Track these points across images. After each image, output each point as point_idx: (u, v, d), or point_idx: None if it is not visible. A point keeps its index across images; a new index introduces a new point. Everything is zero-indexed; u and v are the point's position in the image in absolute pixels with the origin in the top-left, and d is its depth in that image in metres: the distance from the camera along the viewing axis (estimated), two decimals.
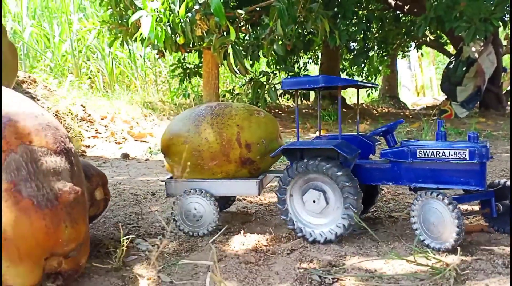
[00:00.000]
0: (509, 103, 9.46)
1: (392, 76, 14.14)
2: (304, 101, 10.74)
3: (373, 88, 8.50)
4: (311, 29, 6.81)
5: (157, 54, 7.80)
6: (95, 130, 5.88)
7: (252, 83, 7.85)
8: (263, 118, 2.15)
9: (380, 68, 11.62)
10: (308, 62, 12.07)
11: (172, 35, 6.13)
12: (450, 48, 11.54)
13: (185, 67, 9.08)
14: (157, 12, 5.81)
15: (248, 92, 8.44)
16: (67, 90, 6.99)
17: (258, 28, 7.62)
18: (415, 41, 11.50)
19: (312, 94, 10.13)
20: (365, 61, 10.31)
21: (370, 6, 9.60)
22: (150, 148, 5.31)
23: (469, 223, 2.08)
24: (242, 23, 6.78)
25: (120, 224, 2.26)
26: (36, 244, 1.27)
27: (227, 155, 2.04)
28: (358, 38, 8.60)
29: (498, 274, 1.49)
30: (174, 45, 6.33)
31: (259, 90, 7.61)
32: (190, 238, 2.03)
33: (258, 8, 6.88)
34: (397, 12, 9.81)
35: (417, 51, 13.69)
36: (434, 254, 1.64)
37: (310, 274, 1.56)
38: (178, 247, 1.92)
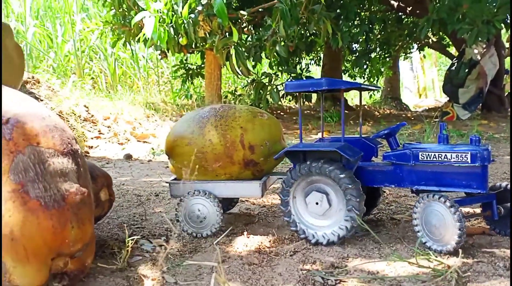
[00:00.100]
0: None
1: (394, 78, 14.14)
2: (306, 103, 10.76)
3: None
4: (313, 31, 6.81)
5: (159, 55, 7.82)
6: (98, 131, 5.90)
7: (254, 84, 7.88)
8: (266, 120, 2.17)
9: (382, 69, 11.63)
10: (310, 63, 12.08)
11: (175, 36, 6.16)
12: (453, 50, 11.54)
13: (187, 68, 9.10)
14: (160, 13, 5.83)
15: (250, 93, 8.47)
16: (70, 91, 7.01)
17: (260, 29, 7.65)
18: (417, 42, 11.51)
19: (314, 95, 10.14)
20: (367, 62, 10.31)
21: (372, 7, 9.61)
22: (153, 149, 5.33)
23: (471, 225, 2.09)
24: (244, 24, 6.80)
25: (124, 225, 2.28)
26: (43, 244, 1.29)
27: (230, 157, 2.06)
28: (360, 40, 8.61)
29: (499, 276, 1.50)
30: (177, 46, 6.35)
31: (261, 91, 7.65)
32: (193, 239, 2.05)
33: (260, 9, 6.90)
34: (400, 13, 9.82)
35: (419, 53, 13.71)
36: (436, 256, 1.66)
37: (313, 276, 1.58)
38: (182, 248, 1.93)
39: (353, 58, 10.53)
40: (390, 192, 2.90)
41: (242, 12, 6.39)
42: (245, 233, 2.07)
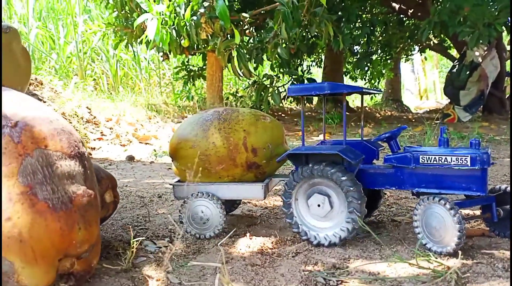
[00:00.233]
0: None
1: (395, 80, 14.16)
2: (307, 104, 10.78)
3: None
4: (315, 33, 6.84)
5: (161, 56, 7.85)
6: (101, 132, 5.93)
7: (255, 86, 7.91)
8: (269, 123, 2.20)
9: (384, 71, 11.65)
10: (311, 65, 12.10)
11: (177, 38, 6.19)
12: (454, 52, 11.55)
13: (189, 69, 9.12)
14: (163, 15, 5.86)
15: (251, 95, 8.50)
16: (72, 92, 7.05)
17: (262, 31, 7.67)
18: (419, 44, 11.53)
19: (315, 97, 10.16)
20: (369, 64, 10.34)
21: (374, 9, 9.64)
22: (155, 151, 5.36)
23: (470, 227, 2.11)
24: (246, 27, 6.84)
25: (129, 226, 2.31)
26: (51, 245, 1.31)
27: (233, 159, 2.09)
28: (362, 42, 8.65)
29: (498, 278, 1.53)
30: (179, 47, 6.38)
31: (262, 93, 7.68)
32: (197, 241, 2.08)
33: (262, 12, 6.92)
34: (401, 16, 9.84)
35: (421, 55, 13.73)
36: (436, 258, 1.68)
37: (314, 277, 1.61)
38: (186, 249, 1.96)
39: (355, 60, 10.54)
40: (391, 194, 2.92)
41: (244, 14, 6.42)
42: (248, 234, 2.10)
